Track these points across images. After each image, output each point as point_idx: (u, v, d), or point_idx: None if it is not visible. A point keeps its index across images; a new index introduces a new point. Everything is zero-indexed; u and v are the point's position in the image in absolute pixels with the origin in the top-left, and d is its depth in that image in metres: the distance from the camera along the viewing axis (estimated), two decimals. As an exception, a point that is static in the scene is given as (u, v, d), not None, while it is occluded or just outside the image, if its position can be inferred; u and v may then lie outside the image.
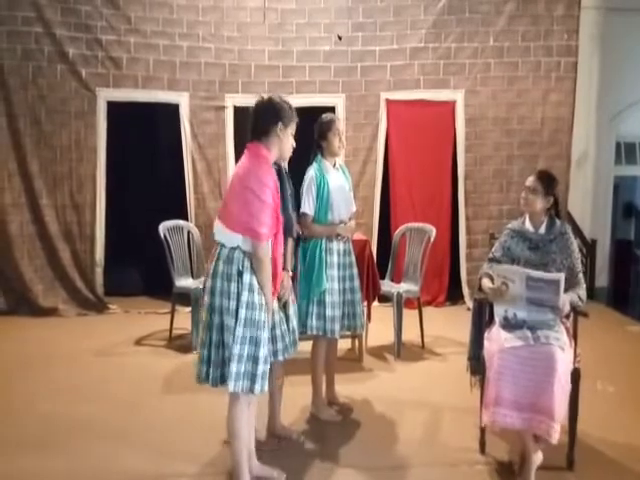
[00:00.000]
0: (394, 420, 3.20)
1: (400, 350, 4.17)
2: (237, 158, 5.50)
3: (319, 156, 3.15)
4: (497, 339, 2.57)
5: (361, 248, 3.94)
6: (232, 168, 5.55)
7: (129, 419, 3.18)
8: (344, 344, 4.28)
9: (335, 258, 3.13)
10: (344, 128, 5.49)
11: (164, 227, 4.51)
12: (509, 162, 5.68)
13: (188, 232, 4.84)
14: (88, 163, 5.35)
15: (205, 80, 5.45)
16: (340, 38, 5.46)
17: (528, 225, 2.77)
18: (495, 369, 2.48)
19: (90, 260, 5.39)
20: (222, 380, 2.30)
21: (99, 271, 5.42)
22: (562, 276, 2.51)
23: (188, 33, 5.37)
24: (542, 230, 2.74)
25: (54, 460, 2.75)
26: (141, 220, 5.50)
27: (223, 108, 5.50)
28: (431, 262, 4.36)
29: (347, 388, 3.60)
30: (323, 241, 3.08)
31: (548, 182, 2.72)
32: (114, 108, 5.37)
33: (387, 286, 4.32)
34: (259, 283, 2.31)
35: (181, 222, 4.86)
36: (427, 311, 4.54)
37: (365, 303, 3.92)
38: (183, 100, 5.44)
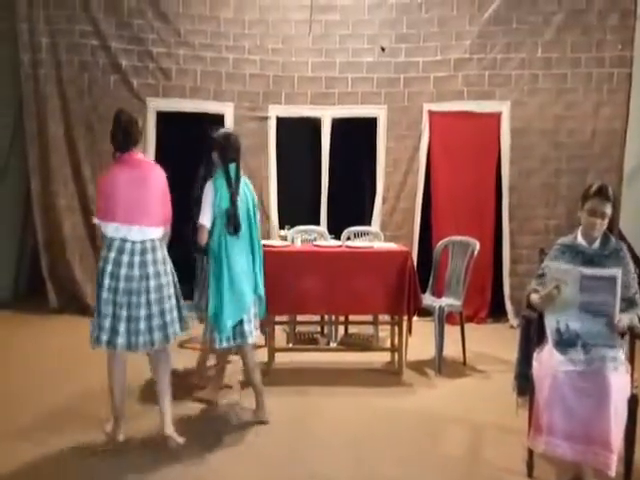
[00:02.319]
0: (435, 436, 3.09)
1: (441, 366, 4.04)
2: (279, 168, 5.66)
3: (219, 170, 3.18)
4: (548, 362, 2.45)
5: (402, 260, 3.89)
6: (274, 178, 5.63)
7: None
8: (382, 357, 4.24)
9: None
10: (386, 139, 5.57)
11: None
12: (557, 176, 5.49)
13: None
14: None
15: (249, 91, 5.57)
16: (383, 49, 5.47)
17: (581, 240, 2.65)
18: (547, 395, 2.36)
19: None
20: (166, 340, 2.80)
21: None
22: (619, 272, 2.39)
23: (234, 45, 5.52)
24: (596, 245, 2.62)
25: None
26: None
27: (266, 119, 5.59)
28: (473, 277, 4.24)
29: (386, 402, 3.54)
30: None
31: (615, 201, 2.60)
32: (164, 119, 5.54)
33: (428, 300, 4.22)
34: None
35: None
36: (468, 327, 4.39)
37: (406, 317, 3.88)
38: (228, 110, 5.56)
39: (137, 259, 2.73)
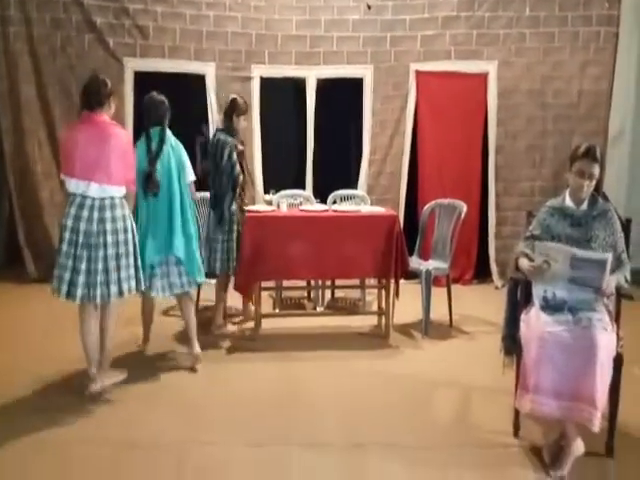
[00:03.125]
0: (422, 399, 3.13)
1: (428, 328, 4.09)
2: (262, 129, 5.53)
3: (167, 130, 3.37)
4: (536, 323, 2.47)
5: (389, 224, 3.87)
6: (258, 139, 5.51)
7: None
8: (369, 320, 4.27)
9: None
10: (372, 100, 5.47)
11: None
12: (543, 137, 5.47)
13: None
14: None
15: (231, 50, 5.39)
16: (369, 7, 5.30)
17: (569, 202, 2.63)
18: (534, 355, 2.39)
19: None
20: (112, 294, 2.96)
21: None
22: (609, 256, 2.40)
23: (215, 2, 5.30)
24: (584, 207, 2.61)
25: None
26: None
27: (249, 79, 5.44)
28: (459, 239, 4.24)
29: (373, 364, 3.57)
30: None
31: (602, 162, 2.57)
32: (142, 78, 5.34)
33: (415, 263, 4.23)
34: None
35: (207, 195, 4.81)
36: (454, 289, 4.42)
37: (393, 280, 3.90)
38: (209, 70, 5.39)
39: (96, 215, 2.89)
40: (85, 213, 2.88)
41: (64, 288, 2.90)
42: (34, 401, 3.03)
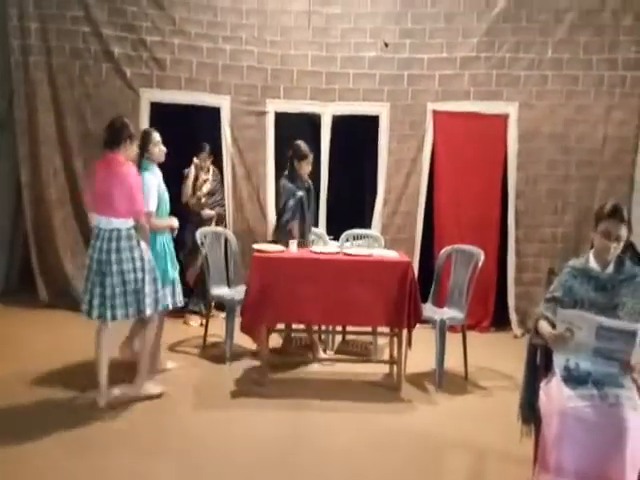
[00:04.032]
0: (434, 463, 2.91)
1: (442, 381, 3.85)
2: (277, 164, 5.43)
3: (146, 161, 3.62)
4: (557, 395, 2.25)
5: (403, 270, 3.69)
6: (271, 174, 5.41)
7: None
8: (380, 369, 4.08)
9: None
10: (388, 138, 5.36)
11: (201, 234, 4.43)
12: (565, 182, 5.28)
13: (225, 239, 4.71)
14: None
15: (247, 84, 5.33)
16: (387, 45, 5.22)
17: (593, 263, 2.43)
18: (555, 431, 2.16)
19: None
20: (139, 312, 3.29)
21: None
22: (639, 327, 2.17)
23: (231, 36, 5.27)
24: (610, 270, 2.40)
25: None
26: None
27: (264, 113, 5.36)
28: (477, 284, 4.02)
29: (383, 419, 3.36)
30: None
31: (629, 221, 2.37)
32: (159, 109, 5.31)
33: (429, 311, 4.01)
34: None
35: (219, 229, 4.80)
36: (470, 336, 4.18)
37: (406, 330, 3.71)
38: (224, 103, 5.33)
39: (105, 246, 3.19)
40: (97, 243, 3.21)
41: (85, 307, 3.27)
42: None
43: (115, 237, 3.16)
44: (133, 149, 3.35)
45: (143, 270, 3.22)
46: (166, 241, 3.63)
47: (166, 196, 3.67)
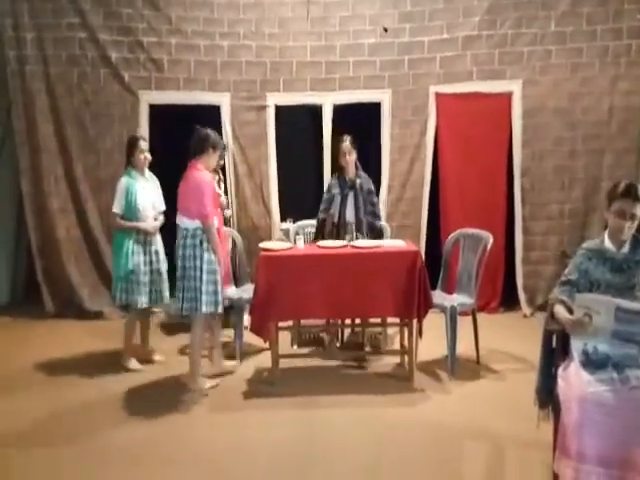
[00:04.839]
0: (450, 452, 2.92)
1: (454, 368, 3.86)
2: (279, 160, 5.42)
3: (129, 168, 3.96)
4: (576, 381, 2.24)
5: (411, 260, 3.68)
6: (274, 170, 5.42)
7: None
8: (393, 359, 4.10)
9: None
10: (390, 125, 5.31)
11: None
12: (572, 157, 5.22)
13: (232, 239, 4.72)
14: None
15: (246, 79, 5.31)
16: (386, 30, 5.16)
17: (608, 244, 2.42)
18: (575, 419, 2.16)
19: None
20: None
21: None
22: None
23: (229, 32, 5.24)
24: (625, 250, 2.40)
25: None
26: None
27: (265, 108, 5.35)
28: (485, 267, 4.02)
29: (398, 413, 3.36)
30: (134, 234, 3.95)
31: None
32: (158, 111, 5.32)
33: (439, 298, 4.01)
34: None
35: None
36: (479, 318, 4.17)
37: (416, 320, 3.72)
38: (224, 101, 5.32)
39: (180, 242, 3.57)
40: (177, 240, 3.60)
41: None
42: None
43: (183, 235, 3.53)
44: (215, 157, 3.68)
45: (201, 269, 3.48)
46: (131, 242, 3.90)
47: (143, 202, 3.92)
